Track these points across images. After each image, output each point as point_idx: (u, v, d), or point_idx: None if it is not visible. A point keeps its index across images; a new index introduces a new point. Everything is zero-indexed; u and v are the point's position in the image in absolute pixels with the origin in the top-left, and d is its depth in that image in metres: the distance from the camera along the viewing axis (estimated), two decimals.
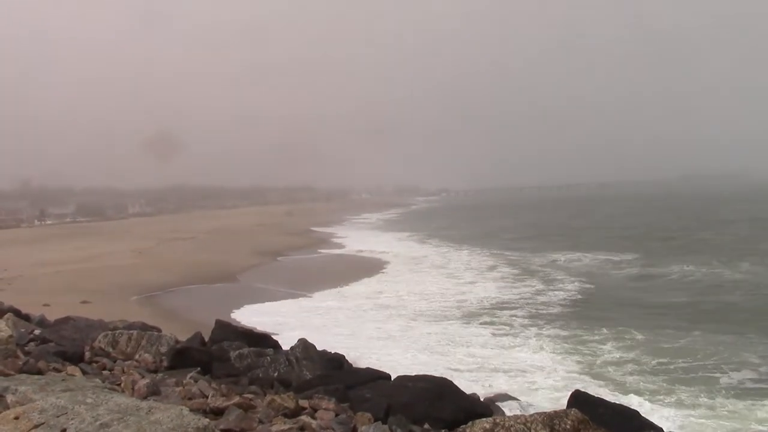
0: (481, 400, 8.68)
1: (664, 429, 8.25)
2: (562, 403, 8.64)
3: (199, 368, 8.57)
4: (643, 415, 8.14)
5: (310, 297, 27.18)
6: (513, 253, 43.43)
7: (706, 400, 13.28)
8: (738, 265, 33.00)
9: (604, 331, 19.49)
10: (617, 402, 9.00)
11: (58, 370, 7.27)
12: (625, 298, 26.07)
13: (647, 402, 12.94)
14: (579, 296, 26.31)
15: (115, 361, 8.60)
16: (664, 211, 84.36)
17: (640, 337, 18.54)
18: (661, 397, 13.51)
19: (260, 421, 6.02)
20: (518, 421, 5.39)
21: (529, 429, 5.36)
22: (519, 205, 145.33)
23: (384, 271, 36.38)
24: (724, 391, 13.80)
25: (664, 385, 14.28)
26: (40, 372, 6.92)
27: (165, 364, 8.86)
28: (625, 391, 13.72)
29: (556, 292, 27.11)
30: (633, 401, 12.16)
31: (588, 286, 29.01)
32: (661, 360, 16.24)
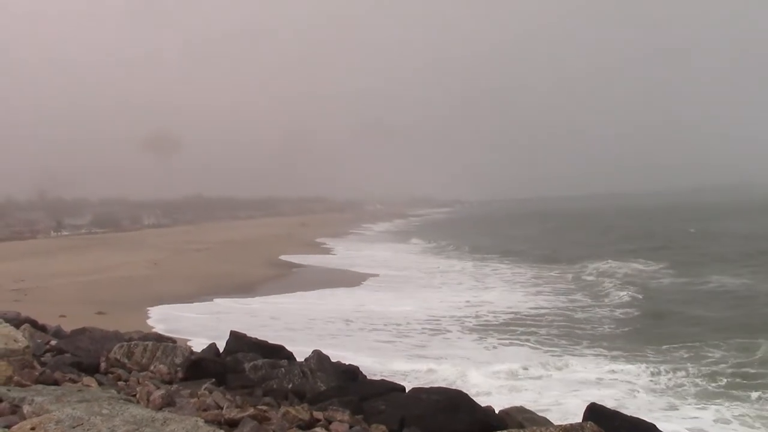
0: (496, 412, 8.62)
1: None
2: (578, 416, 8.58)
3: (213, 379, 8.57)
4: (660, 429, 8.05)
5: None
6: (532, 263, 43.23)
7: None
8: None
9: (668, 346, 18.97)
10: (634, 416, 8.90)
11: (74, 381, 7.31)
12: (674, 308, 25.55)
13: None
14: (625, 309, 25.57)
15: (130, 372, 8.63)
16: (679, 222, 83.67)
17: (717, 354, 17.87)
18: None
19: None
20: None
21: None
22: (532, 215, 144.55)
23: (376, 279, 36.65)
24: None
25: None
26: (56, 383, 6.96)
27: (180, 375, 8.87)
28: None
29: (598, 307, 26.41)
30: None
31: (630, 296, 28.52)
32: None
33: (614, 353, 18.54)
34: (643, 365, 16.86)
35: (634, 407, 13.32)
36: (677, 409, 13.73)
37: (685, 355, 17.95)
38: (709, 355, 17.81)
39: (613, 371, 16.49)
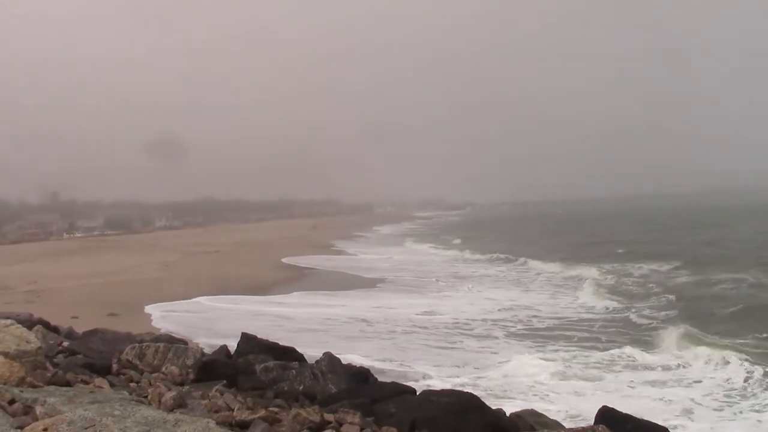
0: (507, 415, 8.60)
1: None
2: (590, 419, 8.53)
3: (224, 381, 8.60)
4: None
5: None
6: (552, 264, 43.12)
7: None
8: None
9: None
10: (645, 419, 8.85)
11: (86, 382, 7.33)
12: (713, 307, 25.38)
13: None
14: (667, 311, 25.05)
15: (142, 374, 8.67)
16: (685, 225, 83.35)
17: None
18: None
19: None
20: None
21: None
22: (542, 218, 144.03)
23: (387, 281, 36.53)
24: None
25: None
26: (68, 384, 6.99)
27: (191, 376, 8.90)
28: None
29: (639, 308, 26.13)
30: None
31: (665, 297, 28.38)
32: None
33: (682, 356, 18.17)
34: (732, 366, 16.66)
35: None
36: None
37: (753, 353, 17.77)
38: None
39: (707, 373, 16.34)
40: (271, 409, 6.87)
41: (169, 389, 7.37)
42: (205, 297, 29.14)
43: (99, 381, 7.50)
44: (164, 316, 24.49)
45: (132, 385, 7.91)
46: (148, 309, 26.04)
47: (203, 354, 10.12)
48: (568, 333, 21.73)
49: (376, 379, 10.45)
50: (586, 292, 30.34)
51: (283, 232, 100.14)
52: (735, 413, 13.42)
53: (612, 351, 18.76)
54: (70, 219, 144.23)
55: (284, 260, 49.68)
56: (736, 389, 14.93)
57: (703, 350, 17.93)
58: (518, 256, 50.39)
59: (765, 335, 19.40)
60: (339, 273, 42.29)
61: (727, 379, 15.62)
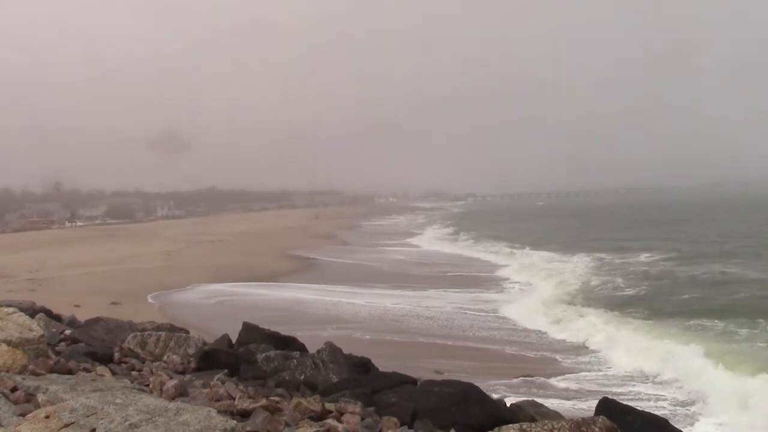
0: (508, 405, 8.61)
1: None
2: (591, 410, 8.55)
3: (226, 370, 8.61)
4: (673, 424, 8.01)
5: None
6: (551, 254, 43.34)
7: None
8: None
9: None
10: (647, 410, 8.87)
11: (88, 371, 7.35)
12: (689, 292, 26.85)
13: None
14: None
15: (143, 362, 8.68)
16: (680, 219, 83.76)
17: None
18: None
19: (287, 424, 6.03)
20: (545, 427, 5.32)
21: None
22: (548, 210, 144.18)
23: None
24: None
25: None
26: (70, 372, 7.00)
27: (193, 365, 8.92)
28: None
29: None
30: None
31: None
32: None
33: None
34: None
35: None
36: None
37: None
38: None
39: None
40: (272, 398, 6.88)
41: (171, 378, 7.39)
42: (211, 284, 29.17)
43: (101, 369, 7.52)
44: (166, 305, 24.54)
45: (134, 373, 7.92)
46: (150, 298, 26.11)
47: (205, 343, 10.13)
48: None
49: (377, 369, 10.46)
50: None
51: (286, 221, 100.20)
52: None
53: None
54: (73, 208, 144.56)
55: (296, 252, 49.18)
56: None
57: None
58: (532, 244, 50.80)
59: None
60: (358, 266, 40.89)
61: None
